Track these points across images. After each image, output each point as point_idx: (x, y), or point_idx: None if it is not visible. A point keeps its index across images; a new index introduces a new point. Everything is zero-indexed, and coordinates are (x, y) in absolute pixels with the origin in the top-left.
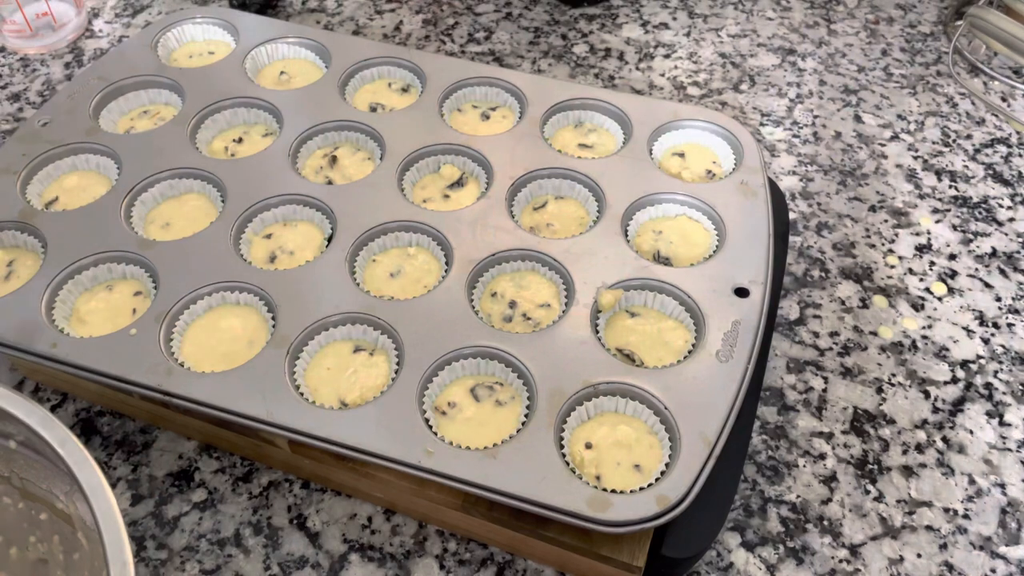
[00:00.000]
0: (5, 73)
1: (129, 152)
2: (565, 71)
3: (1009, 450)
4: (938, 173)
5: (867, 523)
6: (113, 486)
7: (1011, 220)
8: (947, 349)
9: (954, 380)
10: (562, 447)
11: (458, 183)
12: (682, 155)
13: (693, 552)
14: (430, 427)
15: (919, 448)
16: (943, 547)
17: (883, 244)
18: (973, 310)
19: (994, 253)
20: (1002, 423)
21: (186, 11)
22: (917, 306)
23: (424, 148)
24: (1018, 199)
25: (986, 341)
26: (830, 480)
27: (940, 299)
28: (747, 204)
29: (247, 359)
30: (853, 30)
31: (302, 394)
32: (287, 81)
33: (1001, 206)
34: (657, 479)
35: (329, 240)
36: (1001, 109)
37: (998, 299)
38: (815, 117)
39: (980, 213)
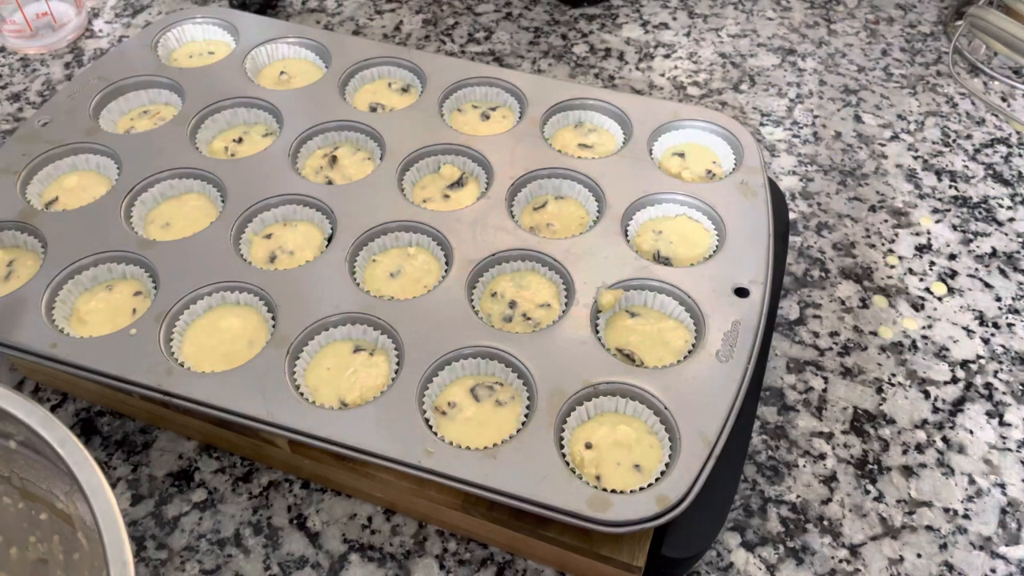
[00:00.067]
0: (5, 73)
1: (129, 152)
2: (565, 71)
3: (1009, 450)
4: (938, 173)
5: (867, 523)
6: (113, 486)
7: (1011, 220)
8: (947, 349)
9: (954, 380)
10: (562, 447)
11: (458, 183)
12: (682, 155)
13: (693, 552)
14: (430, 427)
15: (919, 448)
16: (943, 547)
17: (883, 244)
18: (973, 310)
19: (994, 253)
20: (1002, 423)
21: (186, 11)
22: (917, 306)
23: (424, 148)
24: (1018, 199)
25: (986, 341)
26: (830, 480)
27: (940, 299)
28: (747, 204)
29: (247, 359)
30: (853, 30)
31: (302, 394)
32: (287, 81)
33: (1001, 206)
34: (657, 479)
35: (329, 240)
36: (1001, 109)
37: (998, 299)
38: (815, 117)
39: (980, 213)
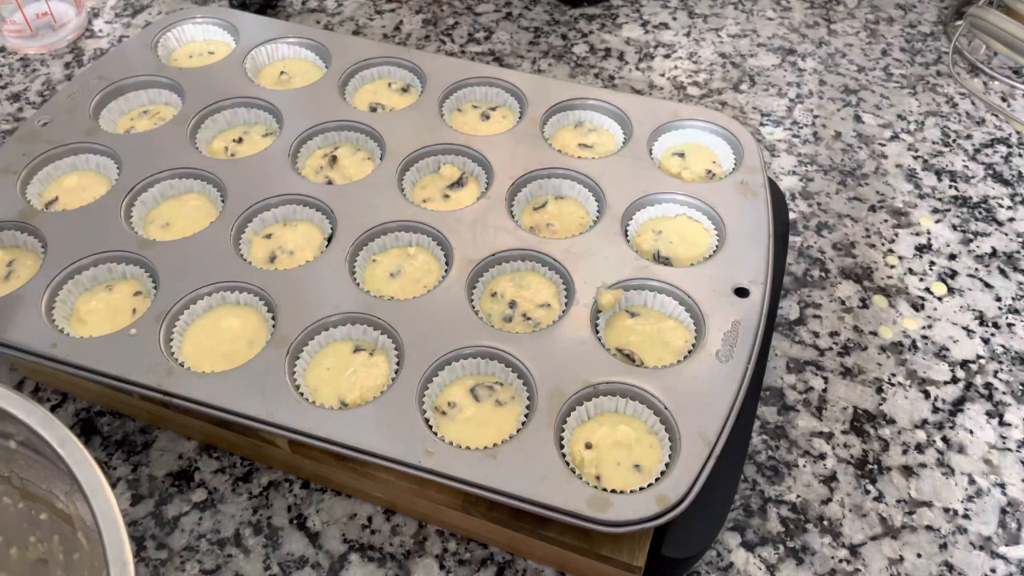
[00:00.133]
0: (5, 73)
1: (129, 152)
2: (565, 71)
3: (1009, 450)
4: (938, 173)
5: (867, 523)
6: (113, 486)
7: (1011, 220)
8: (947, 349)
9: (954, 380)
10: (562, 447)
11: (458, 183)
12: (682, 155)
13: (693, 552)
14: (430, 427)
15: (919, 448)
16: (943, 547)
17: (883, 244)
18: (973, 310)
19: (994, 253)
20: (1002, 423)
21: (186, 11)
22: (917, 306)
23: (424, 148)
24: (1018, 199)
25: (986, 341)
26: (830, 480)
27: (940, 299)
28: (747, 204)
29: (247, 359)
30: (853, 30)
31: (302, 394)
32: (287, 81)
33: (1001, 206)
34: (657, 479)
35: (329, 240)
36: (1001, 109)
37: (998, 299)
38: (815, 117)
39: (980, 213)
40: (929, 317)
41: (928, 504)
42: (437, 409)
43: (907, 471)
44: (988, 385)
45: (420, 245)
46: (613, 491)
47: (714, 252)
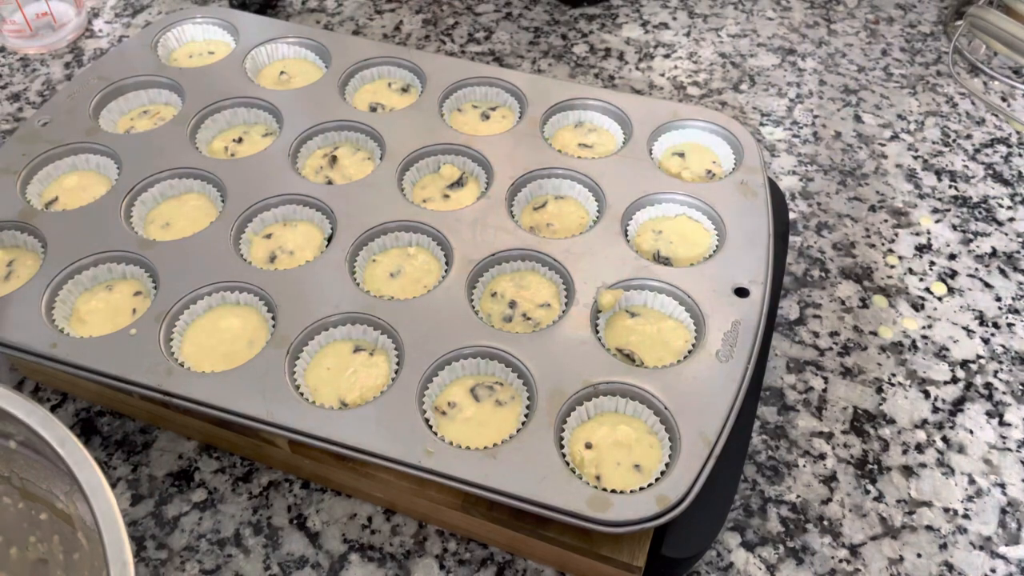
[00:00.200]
0: (5, 73)
1: (129, 152)
2: (565, 71)
3: (1009, 450)
4: (938, 173)
5: (867, 523)
6: (113, 486)
7: (1011, 220)
8: (947, 349)
9: (954, 380)
10: (562, 447)
11: (458, 183)
12: (682, 155)
13: (693, 552)
14: (430, 427)
15: (919, 448)
16: (943, 547)
17: (883, 244)
18: (973, 310)
19: (994, 253)
20: (1002, 423)
21: (186, 11)
22: (917, 306)
23: (424, 148)
24: (1018, 199)
25: (986, 341)
26: (830, 480)
27: (940, 299)
28: (747, 204)
29: (247, 359)
30: (853, 30)
31: (302, 394)
32: (287, 81)
33: (1001, 206)
34: (657, 479)
35: (329, 240)
36: (1001, 109)
37: (998, 299)
38: (815, 117)
39: (980, 213)
40: (929, 317)
41: (928, 504)
42: (437, 409)
43: (907, 471)
44: (988, 385)
45: (420, 245)
46: (613, 491)
47: (714, 252)
